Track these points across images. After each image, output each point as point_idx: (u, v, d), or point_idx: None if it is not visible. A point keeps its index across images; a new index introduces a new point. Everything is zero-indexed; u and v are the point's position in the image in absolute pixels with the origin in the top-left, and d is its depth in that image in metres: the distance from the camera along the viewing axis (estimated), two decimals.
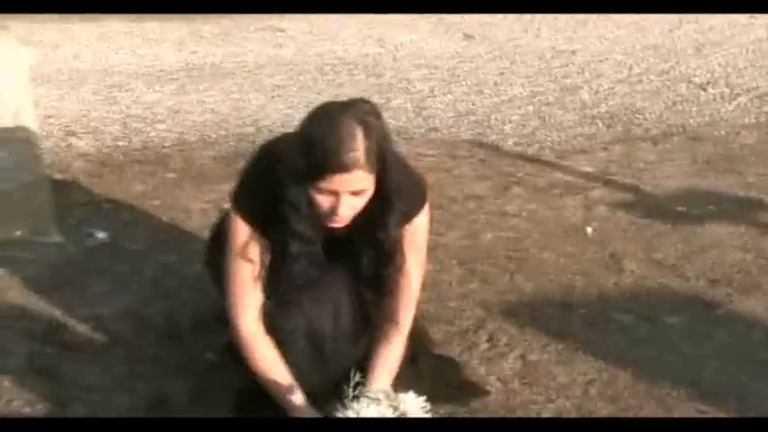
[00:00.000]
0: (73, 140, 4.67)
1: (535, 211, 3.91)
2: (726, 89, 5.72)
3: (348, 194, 2.13)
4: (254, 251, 2.31)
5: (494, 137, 4.85)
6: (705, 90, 5.70)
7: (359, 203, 2.17)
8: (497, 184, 4.20)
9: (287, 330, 2.39)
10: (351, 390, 2.02)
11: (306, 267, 2.28)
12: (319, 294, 2.37)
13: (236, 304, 2.37)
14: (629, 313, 3.10)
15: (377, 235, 2.26)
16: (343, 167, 2.07)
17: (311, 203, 2.17)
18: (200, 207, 3.84)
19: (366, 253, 2.30)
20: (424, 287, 2.60)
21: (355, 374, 2.10)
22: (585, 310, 3.12)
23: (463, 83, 5.75)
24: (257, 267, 2.32)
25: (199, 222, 3.68)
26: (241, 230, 2.31)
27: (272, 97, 5.38)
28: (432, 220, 2.50)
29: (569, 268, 3.40)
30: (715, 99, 5.53)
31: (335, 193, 2.12)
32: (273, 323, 2.38)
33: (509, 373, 2.76)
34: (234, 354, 2.57)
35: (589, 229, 3.73)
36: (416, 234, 2.38)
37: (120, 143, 4.65)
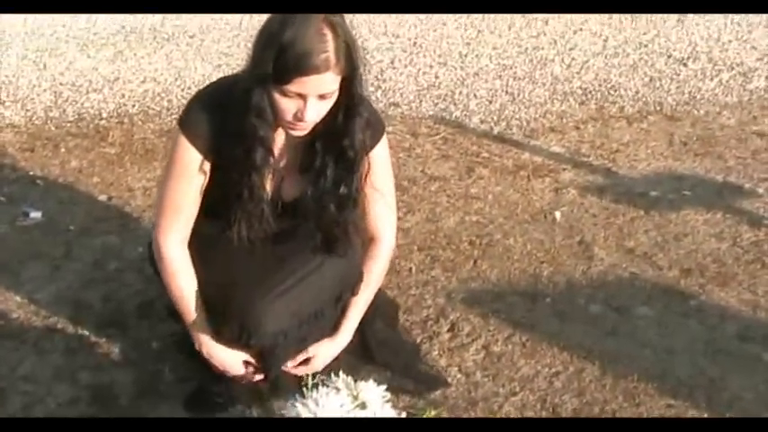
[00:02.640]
0: None
1: (501, 194, 4.07)
2: (707, 65, 5.89)
3: (315, 98, 2.27)
4: (197, 176, 2.45)
5: (458, 113, 5.00)
6: (685, 65, 5.86)
7: (324, 108, 2.32)
8: (461, 165, 4.36)
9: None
10: (309, 377, 2.18)
11: (264, 178, 2.43)
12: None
13: (165, 225, 2.52)
14: (598, 303, 3.28)
15: (342, 143, 2.41)
16: (314, 69, 2.21)
17: (275, 110, 2.31)
18: (142, 185, 3.98)
19: (329, 165, 2.46)
20: None
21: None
22: (552, 299, 3.30)
23: (426, 54, 5.88)
24: (196, 191, 2.48)
25: (141, 202, 3.82)
26: (186, 154, 2.43)
27: (219, 66, 5.48)
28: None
29: (536, 255, 3.57)
30: (696, 75, 5.69)
31: (303, 97, 2.26)
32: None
33: (471, 364, 2.93)
34: (182, 344, 2.74)
35: (558, 214, 3.90)
36: (377, 163, 2.57)
37: (53, 114, 4.75)
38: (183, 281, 2.55)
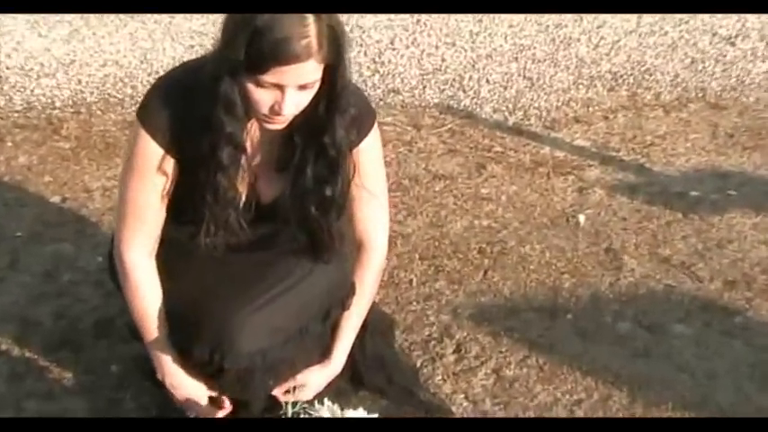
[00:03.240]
0: None
1: (516, 195, 4.09)
2: (759, 44, 5.90)
3: (295, 89, 2.27)
4: (160, 174, 2.46)
5: (468, 101, 5.03)
6: (733, 44, 5.88)
7: (305, 99, 2.32)
8: (471, 161, 4.38)
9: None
10: (289, 405, 2.20)
11: (233, 179, 2.43)
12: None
13: (127, 229, 2.53)
14: (628, 320, 3.30)
15: (322, 139, 2.42)
16: (294, 57, 2.20)
17: (247, 102, 2.31)
18: (101, 185, 4.00)
19: (309, 162, 2.46)
20: (379, 285, 2.80)
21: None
22: (574, 315, 3.32)
23: (431, 33, 5.89)
24: (160, 191, 2.48)
25: (100, 204, 3.84)
26: (146, 149, 2.44)
27: (191, 47, 5.49)
28: (388, 176, 2.70)
29: (556, 265, 3.59)
30: (744, 56, 5.71)
31: (280, 88, 2.26)
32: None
33: (479, 390, 2.95)
34: (146, 369, 2.75)
35: (582, 218, 3.92)
36: (367, 159, 2.59)
37: None
38: (147, 296, 2.56)
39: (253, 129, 2.44)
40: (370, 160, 2.60)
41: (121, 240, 2.55)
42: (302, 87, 2.27)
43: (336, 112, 2.38)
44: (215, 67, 2.27)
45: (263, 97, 2.27)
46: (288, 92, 2.26)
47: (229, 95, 2.28)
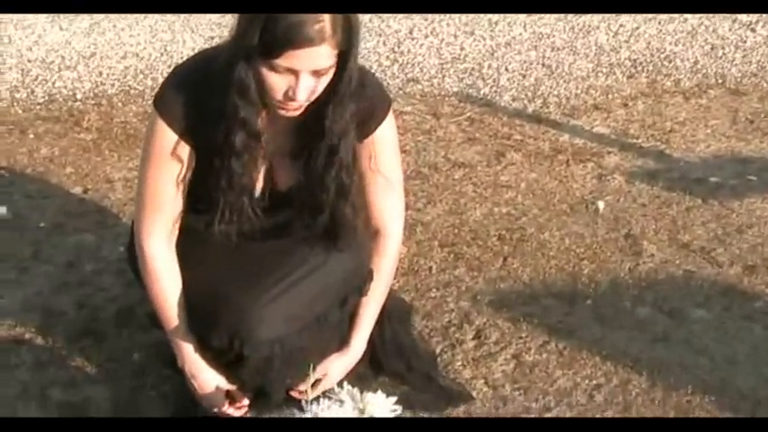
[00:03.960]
0: None
1: (536, 182, 4.10)
2: None
3: (309, 74, 2.28)
4: (177, 162, 2.47)
5: (487, 90, 5.03)
6: (753, 30, 5.86)
7: (319, 86, 2.33)
8: (490, 149, 4.38)
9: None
10: (309, 389, 2.21)
11: (246, 165, 2.44)
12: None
13: (147, 218, 2.54)
14: (647, 305, 3.30)
15: (330, 127, 2.41)
16: (307, 41, 2.21)
17: (262, 87, 2.31)
18: (122, 176, 4.02)
19: (319, 150, 2.46)
20: (398, 272, 2.80)
21: (313, 370, 2.29)
22: (594, 301, 3.32)
23: (450, 21, 5.89)
24: (177, 179, 2.49)
25: (122, 195, 3.86)
26: (164, 138, 2.45)
27: (211, 38, 5.50)
28: (406, 176, 2.69)
29: (575, 251, 3.60)
30: (765, 42, 5.70)
31: (294, 73, 2.27)
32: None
33: (499, 376, 2.96)
34: (167, 356, 2.77)
35: (601, 204, 3.93)
36: (382, 146, 2.60)
37: (19, 95, 4.79)
38: (167, 284, 2.57)
39: (269, 116, 2.45)
40: (384, 148, 2.60)
41: (141, 230, 2.56)
42: (316, 73, 2.28)
43: (344, 98, 2.38)
44: (230, 53, 2.29)
45: (277, 82, 2.28)
46: (302, 77, 2.26)
47: (243, 80, 2.29)
